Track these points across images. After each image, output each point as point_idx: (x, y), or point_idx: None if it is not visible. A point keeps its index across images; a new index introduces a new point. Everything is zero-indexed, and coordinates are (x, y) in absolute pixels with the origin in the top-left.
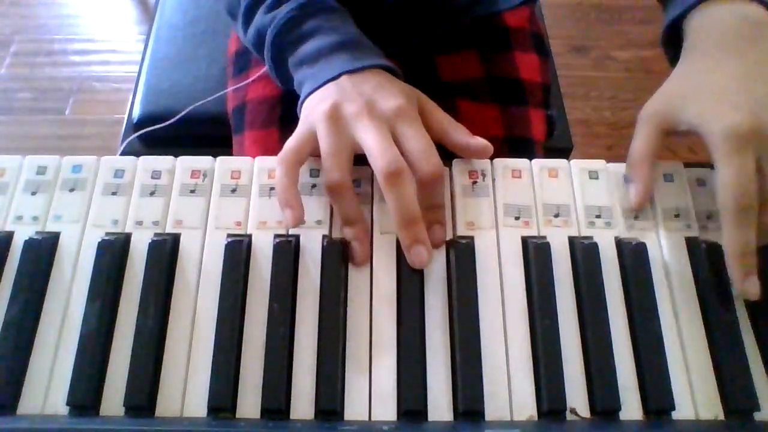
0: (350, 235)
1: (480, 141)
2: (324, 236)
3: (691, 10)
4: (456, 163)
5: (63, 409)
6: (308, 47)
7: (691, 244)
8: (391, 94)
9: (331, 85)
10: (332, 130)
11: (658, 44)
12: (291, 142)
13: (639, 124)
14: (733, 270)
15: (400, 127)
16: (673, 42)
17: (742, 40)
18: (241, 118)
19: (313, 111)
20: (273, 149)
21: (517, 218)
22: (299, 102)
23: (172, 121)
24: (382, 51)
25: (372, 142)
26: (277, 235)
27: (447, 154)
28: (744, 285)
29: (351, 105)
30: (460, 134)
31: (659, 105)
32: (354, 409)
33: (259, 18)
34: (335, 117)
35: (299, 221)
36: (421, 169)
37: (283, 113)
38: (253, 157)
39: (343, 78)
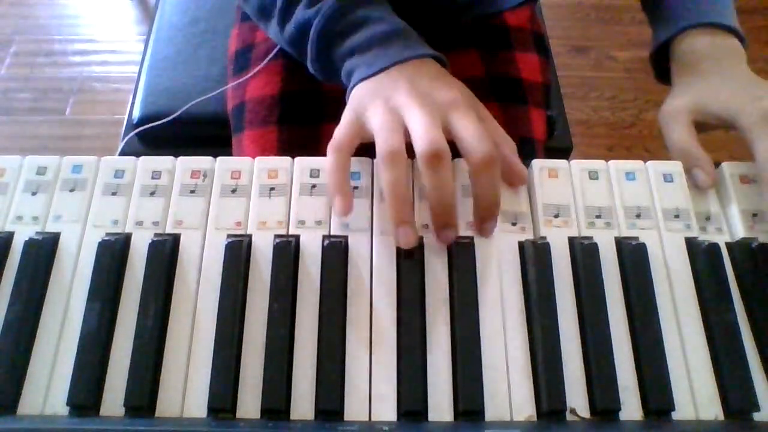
0: (398, 216)
1: (522, 171)
2: (324, 236)
3: (678, 35)
4: (456, 162)
5: (63, 410)
6: (359, 36)
7: (691, 244)
8: (447, 87)
9: (383, 76)
10: (385, 113)
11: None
12: (342, 130)
13: (667, 121)
14: None
15: (453, 116)
16: (659, 60)
17: (726, 62)
18: (240, 117)
19: (363, 99)
20: (271, 148)
21: (517, 219)
22: (349, 88)
23: (172, 117)
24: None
25: (417, 124)
26: (277, 235)
27: (449, 147)
28: None
29: (404, 94)
30: (509, 150)
31: (681, 102)
32: (354, 409)
33: (301, 13)
34: (387, 104)
35: (349, 211)
36: (474, 152)
37: (281, 112)
38: (252, 157)
39: (396, 68)
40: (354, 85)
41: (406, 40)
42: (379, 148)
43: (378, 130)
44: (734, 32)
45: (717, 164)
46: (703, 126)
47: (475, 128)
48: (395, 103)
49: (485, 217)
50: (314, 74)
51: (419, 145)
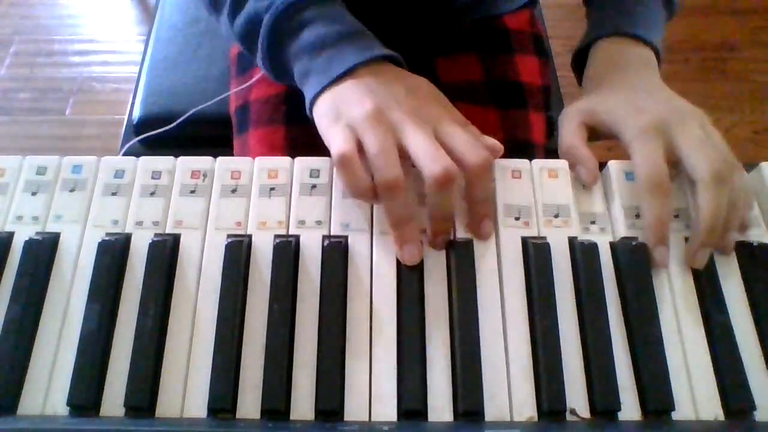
0: (401, 237)
1: (487, 228)
2: (324, 236)
3: (595, 42)
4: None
5: (63, 410)
6: (310, 35)
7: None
8: (430, 98)
9: (341, 89)
10: (379, 131)
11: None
12: (341, 147)
13: (562, 121)
14: (648, 238)
15: (443, 128)
16: (579, 64)
17: (632, 71)
18: (244, 116)
19: (349, 111)
20: (279, 146)
21: (517, 218)
22: (310, 97)
23: (172, 126)
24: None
25: (420, 146)
26: (277, 236)
27: None
28: (655, 252)
29: (394, 110)
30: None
31: (578, 105)
32: (354, 409)
33: (252, 5)
34: (379, 119)
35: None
36: (470, 162)
37: (288, 110)
38: (260, 156)
39: (352, 78)
40: (313, 100)
41: (360, 41)
42: (378, 176)
43: (374, 155)
44: (651, 47)
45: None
46: (594, 133)
47: (461, 137)
48: (388, 117)
49: (437, 232)
50: (266, 73)
51: (430, 169)
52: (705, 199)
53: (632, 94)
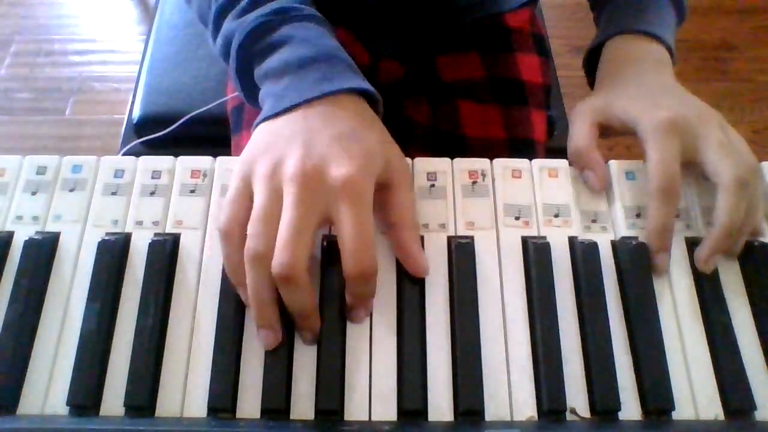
0: (258, 320)
1: (422, 259)
2: (324, 236)
3: (609, 39)
4: (456, 163)
5: (63, 410)
6: (274, 59)
7: (691, 244)
8: (349, 155)
9: (285, 122)
10: (267, 192)
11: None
12: (231, 209)
13: (574, 119)
14: (651, 243)
15: (339, 210)
16: (592, 63)
17: (647, 70)
18: (239, 117)
19: (255, 154)
20: None
21: (517, 218)
22: (256, 122)
23: (171, 128)
24: (380, 42)
25: (283, 229)
26: None
27: (449, 148)
28: (656, 258)
29: (291, 165)
30: (409, 236)
31: (592, 102)
32: (354, 409)
33: (227, 24)
34: (272, 178)
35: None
36: (349, 268)
37: None
38: None
39: (302, 111)
40: (257, 125)
41: (329, 69)
42: (246, 245)
43: (252, 219)
44: (665, 44)
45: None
46: (607, 131)
47: (352, 232)
48: (279, 178)
49: (355, 307)
50: (242, 98)
51: (276, 258)
52: (726, 204)
53: (648, 91)
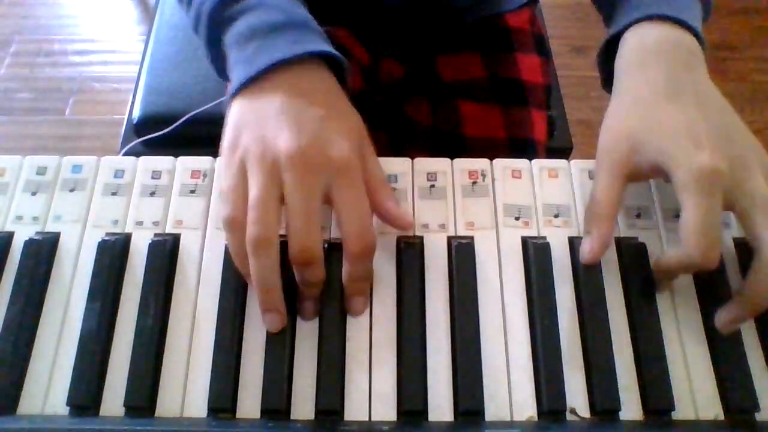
0: (264, 304)
1: (403, 214)
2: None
3: (627, 29)
4: (456, 163)
5: (63, 410)
6: (242, 24)
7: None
8: (339, 134)
9: (262, 92)
10: (262, 177)
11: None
12: (232, 198)
13: (599, 168)
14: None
15: (339, 189)
16: (608, 61)
17: (677, 64)
18: None
19: (242, 134)
20: None
21: (517, 218)
22: (228, 96)
23: (171, 128)
24: (380, 42)
25: (293, 212)
26: (281, 236)
27: (449, 148)
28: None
29: (287, 142)
30: (385, 198)
31: (617, 148)
32: (354, 409)
33: None
34: (264, 160)
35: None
36: (353, 246)
37: None
38: None
39: (277, 78)
40: (233, 96)
41: (299, 34)
42: (248, 232)
43: (252, 206)
44: (696, 35)
45: None
46: (637, 178)
47: (355, 212)
48: (274, 160)
49: (353, 294)
50: (214, 71)
51: (290, 245)
52: (761, 276)
53: (682, 112)
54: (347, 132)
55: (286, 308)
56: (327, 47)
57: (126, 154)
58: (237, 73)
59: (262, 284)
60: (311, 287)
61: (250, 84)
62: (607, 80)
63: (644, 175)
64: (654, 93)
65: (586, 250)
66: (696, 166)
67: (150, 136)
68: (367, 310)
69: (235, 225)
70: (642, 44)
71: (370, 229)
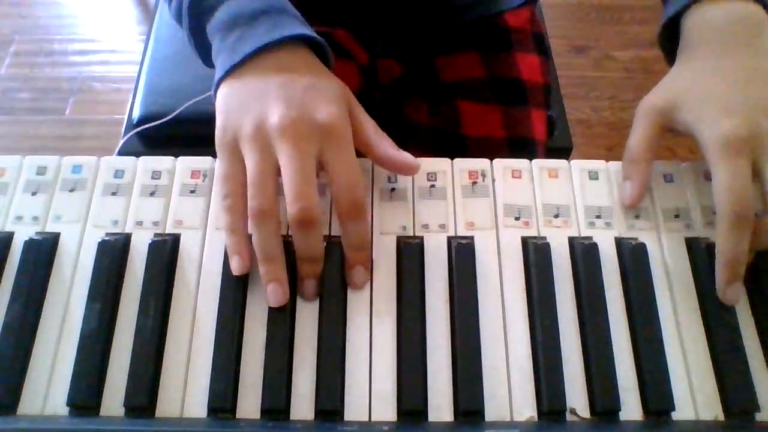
0: (267, 275)
1: (406, 157)
2: (324, 236)
3: (688, 8)
4: (456, 163)
5: (63, 410)
6: (224, 12)
7: (691, 244)
8: (325, 100)
9: (250, 76)
10: (257, 153)
11: (657, 42)
12: (229, 184)
13: (637, 118)
14: (720, 274)
15: (330, 151)
16: (671, 40)
17: (738, 40)
18: None
19: (232, 117)
20: None
21: (517, 218)
22: (213, 84)
23: (171, 116)
24: (379, 42)
25: (289, 177)
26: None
27: (449, 148)
28: (727, 291)
29: (277, 116)
30: (385, 147)
31: (658, 101)
32: (354, 409)
33: None
34: (260, 135)
35: (247, 270)
36: (342, 202)
37: None
38: None
39: (262, 61)
40: (218, 83)
41: (280, 20)
42: (249, 206)
43: (251, 183)
44: (763, 4)
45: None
46: (672, 132)
47: (345, 170)
48: (267, 135)
49: (354, 262)
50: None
51: (290, 207)
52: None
53: (727, 84)
54: (333, 97)
55: (288, 313)
56: (305, 30)
57: (123, 146)
58: (221, 62)
59: (265, 254)
60: (311, 263)
61: (234, 71)
62: (670, 60)
63: (677, 132)
64: (704, 64)
65: (627, 195)
66: (719, 132)
67: (149, 125)
68: (367, 310)
69: (233, 209)
70: (699, 23)
71: (358, 186)
